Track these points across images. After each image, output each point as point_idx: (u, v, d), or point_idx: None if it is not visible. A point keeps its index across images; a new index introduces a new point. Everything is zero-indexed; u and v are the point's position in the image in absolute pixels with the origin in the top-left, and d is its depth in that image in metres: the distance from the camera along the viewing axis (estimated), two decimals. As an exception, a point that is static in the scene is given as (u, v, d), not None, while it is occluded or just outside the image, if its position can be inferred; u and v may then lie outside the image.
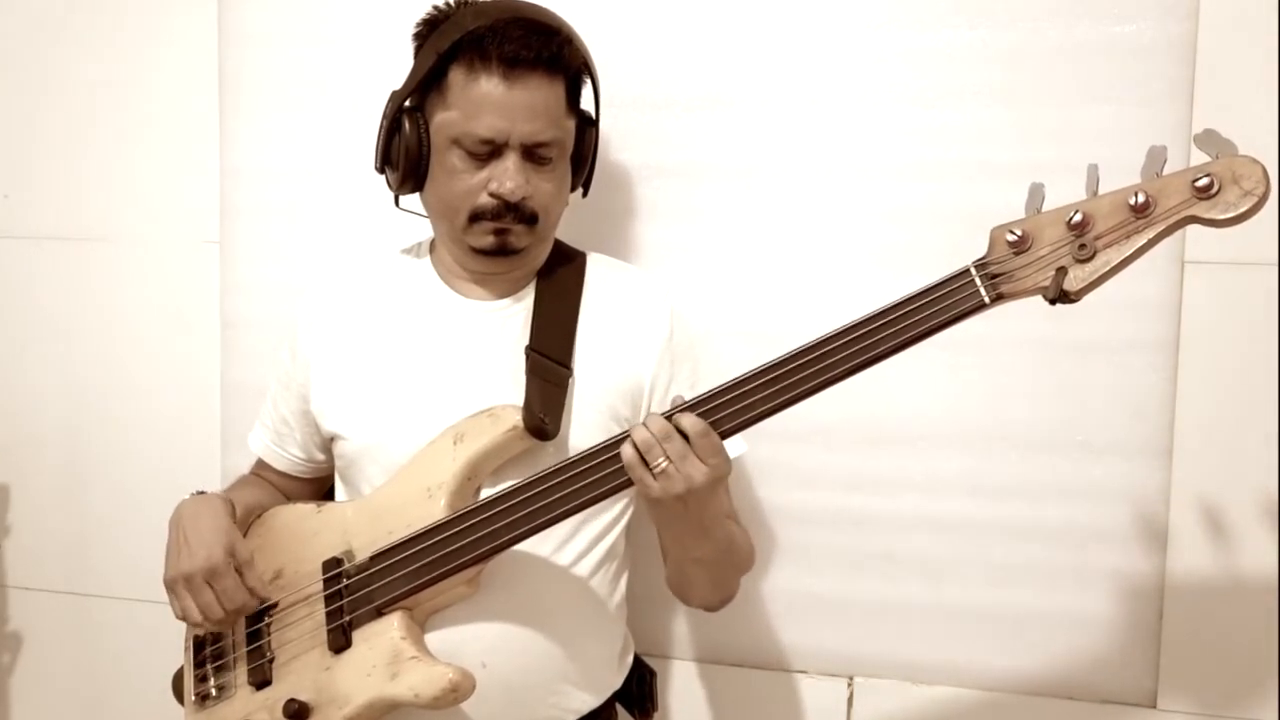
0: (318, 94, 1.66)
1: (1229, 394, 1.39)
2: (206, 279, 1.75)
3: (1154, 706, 1.45)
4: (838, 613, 1.54)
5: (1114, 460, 1.44)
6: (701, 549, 1.19)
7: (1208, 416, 1.40)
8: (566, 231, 1.38)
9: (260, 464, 1.46)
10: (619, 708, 1.39)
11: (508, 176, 1.22)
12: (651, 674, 1.43)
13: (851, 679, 1.56)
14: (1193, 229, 1.37)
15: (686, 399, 1.11)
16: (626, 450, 1.09)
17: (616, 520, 1.32)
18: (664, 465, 1.08)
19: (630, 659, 1.40)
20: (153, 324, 1.79)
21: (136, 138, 1.77)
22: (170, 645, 1.34)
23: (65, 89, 1.80)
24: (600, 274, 1.35)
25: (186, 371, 1.77)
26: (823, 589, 1.55)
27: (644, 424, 1.09)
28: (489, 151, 1.22)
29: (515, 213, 1.24)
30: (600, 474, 1.13)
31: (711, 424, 1.09)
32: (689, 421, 1.08)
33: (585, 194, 1.37)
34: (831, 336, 1.08)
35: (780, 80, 1.51)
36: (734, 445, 1.28)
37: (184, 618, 1.25)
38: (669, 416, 1.09)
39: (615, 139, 1.54)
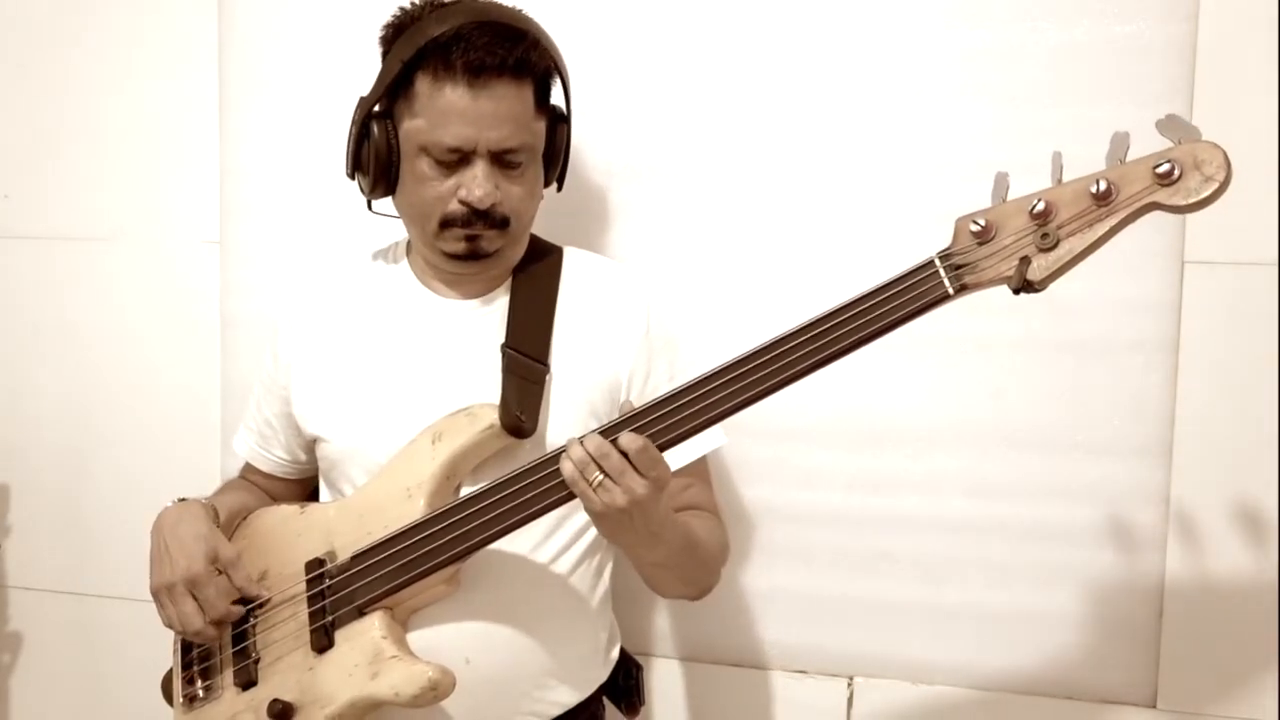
0: (318, 94, 1.67)
1: (1229, 394, 1.39)
2: (206, 279, 1.75)
3: (1154, 706, 1.45)
4: (838, 613, 1.54)
5: (1114, 460, 1.44)
6: (656, 554, 1.19)
7: (1208, 416, 1.40)
8: (546, 231, 1.38)
9: (247, 466, 1.47)
10: (606, 702, 1.40)
11: (476, 184, 1.21)
12: (638, 668, 1.43)
13: (851, 679, 1.56)
14: (1193, 227, 1.39)
15: (635, 406, 1.11)
16: (566, 467, 1.09)
17: None
18: (601, 480, 1.08)
19: (616, 653, 1.40)
20: (153, 324, 1.79)
21: (136, 138, 1.77)
22: (170, 645, 1.34)
23: (65, 89, 1.80)
24: (577, 269, 1.35)
25: (186, 371, 1.77)
26: (823, 589, 1.54)
27: (580, 441, 1.09)
28: (457, 158, 1.22)
29: (485, 219, 1.23)
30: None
31: (667, 428, 1.09)
32: (626, 439, 1.08)
33: (560, 189, 1.37)
34: (793, 333, 1.07)
35: (770, 79, 1.51)
36: (713, 438, 1.29)
37: (170, 625, 1.26)
38: (606, 434, 1.09)
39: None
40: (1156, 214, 1.02)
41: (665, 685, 1.61)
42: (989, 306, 1.42)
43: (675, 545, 1.19)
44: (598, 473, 1.08)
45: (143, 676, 1.47)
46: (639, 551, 1.19)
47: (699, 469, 1.34)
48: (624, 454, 1.08)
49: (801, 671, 1.57)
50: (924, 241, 1.37)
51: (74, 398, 1.83)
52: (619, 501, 1.08)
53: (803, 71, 1.50)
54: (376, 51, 1.29)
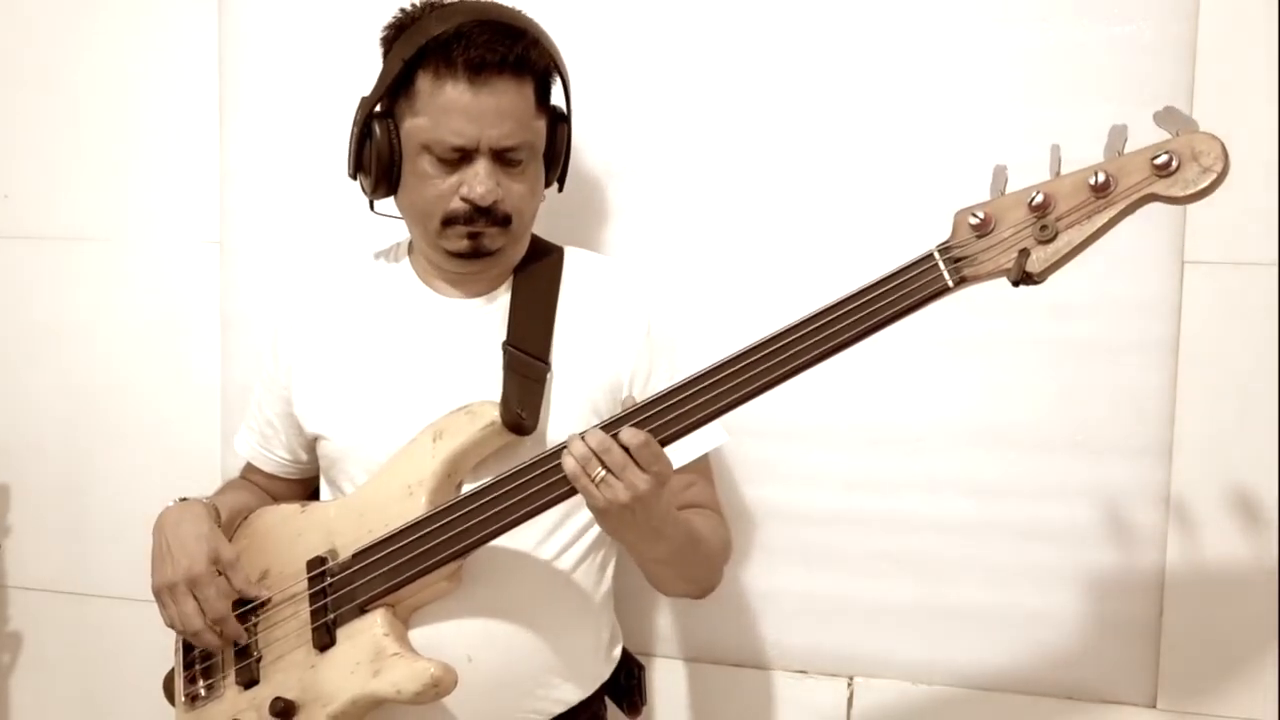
0: (318, 94, 1.67)
1: (1229, 394, 1.39)
2: (206, 279, 1.75)
3: (1154, 706, 1.45)
4: (838, 613, 1.54)
5: (1114, 460, 1.44)
6: (658, 550, 1.19)
7: (1208, 416, 1.40)
8: (547, 231, 1.38)
9: (248, 467, 1.47)
10: (608, 702, 1.40)
11: (478, 181, 1.22)
12: (640, 668, 1.43)
13: (851, 679, 1.56)
14: (1193, 227, 1.39)
15: (638, 400, 1.11)
16: (568, 463, 1.09)
17: None
18: (604, 475, 1.08)
19: (618, 651, 1.40)
20: (152, 324, 1.79)
21: (136, 138, 1.77)
22: (170, 645, 1.35)
23: (65, 89, 1.80)
24: (578, 268, 1.35)
25: (186, 371, 1.77)
26: (823, 589, 1.54)
27: (581, 437, 1.09)
28: (459, 156, 1.22)
29: (487, 216, 1.24)
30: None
31: (668, 423, 1.09)
32: (628, 434, 1.08)
33: (561, 189, 1.37)
34: (794, 326, 1.07)
35: (768, 78, 1.51)
36: (714, 436, 1.29)
37: (172, 625, 1.26)
38: (608, 429, 1.09)
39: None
40: (1157, 214, 1.02)
41: (666, 685, 1.61)
42: (989, 306, 1.43)
43: (678, 542, 1.19)
44: (600, 468, 1.08)
45: (143, 676, 1.47)
46: (641, 548, 1.19)
47: (701, 467, 1.34)
48: (625, 449, 1.08)
49: (801, 671, 1.57)
50: (924, 241, 1.38)
51: (74, 398, 1.83)
52: (621, 497, 1.08)
53: (801, 70, 1.50)
54: (376, 52, 1.29)
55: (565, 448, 1.10)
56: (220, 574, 1.24)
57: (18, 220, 1.84)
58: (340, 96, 1.63)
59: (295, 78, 1.68)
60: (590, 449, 1.08)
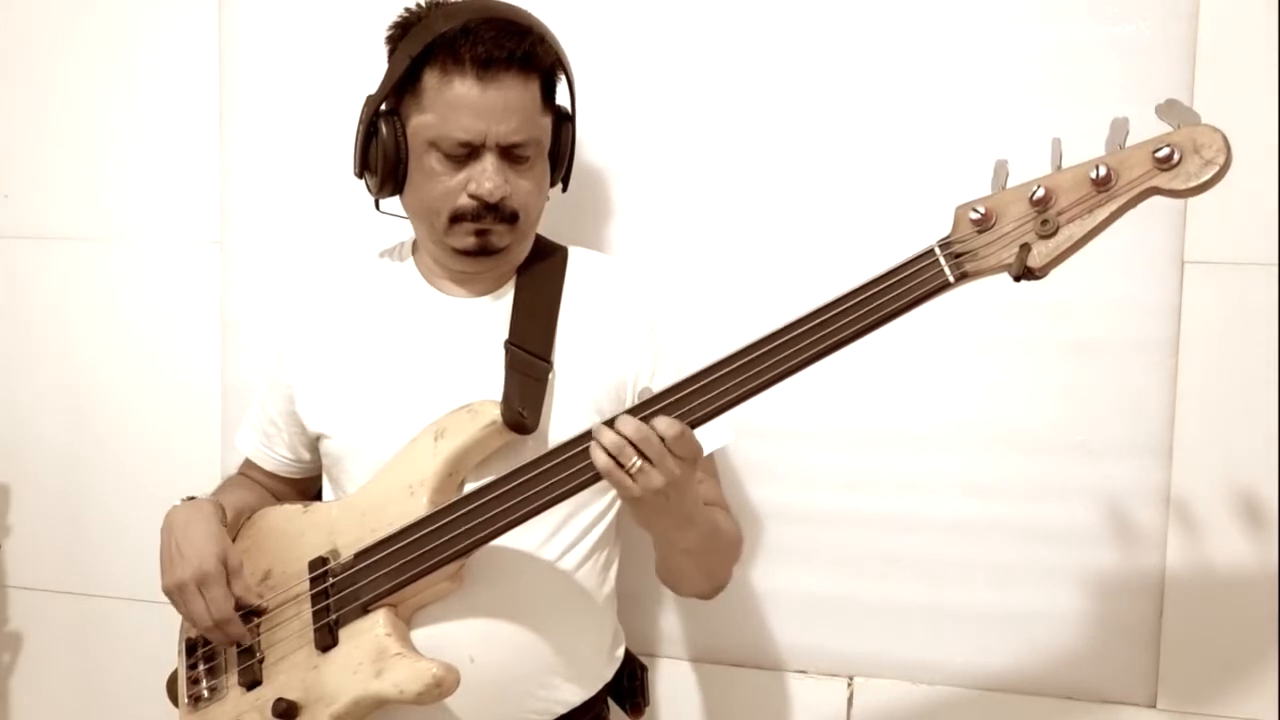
0: (318, 94, 1.67)
1: (1229, 394, 1.39)
2: (206, 279, 1.75)
3: (1154, 706, 1.46)
4: (838, 613, 1.55)
5: (1114, 460, 1.44)
6: (688, 539, 1.18)
7: (1208, 416, 1.40)
8: (549, 230, 1.38)
9: (248, 464, 1.47)
10: (610, 703, 1.40)
11: (485, 177, 1.22)
12: (642, 669, 1.43)
13: (851, 679, 1.56)
14: (1193, 227, 1.39)
15: (654, 391, 1.11)
16: (599, 456, 1.08)
17: (606, 511, 1.32)
18: (640, 464, 1.07)
19: (621, 651, 1.40)
20: (153, 324, 1.79)
21: (136, 138, 1.77)
22: (170, 645, 1.35)
23: (65, 89, 1.80)
24: (582, 267, 1.35)
25: (186, 371, 1.77)
26: (823, 589, 1.55)
27: (611, 426, 1.08)
28: (466, 153, 1.22)
29: (495, 213, 1.24)
30: (578, 465, 1.12)
31: (677, 416, 1.08)
32: (665, 424, 1.07)
33: (565, 189, 1.37)
34: (796, 322, 1.07)
35: (769, 77, 1.51)
36: (722, 435, 1.29)
37: (188, 620, 1.26)
38: (641, 416, 1.08)
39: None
40: (1157, 214, 1.02)
41: (668, 686, 1.61)
42: (989, 306, 1.43)
43: (706, 529, 1.19)
44: (635, 457, 1.07)
45: (143, 676, 1.47)
46: (674, 536, 1.18)
47: (708, 466, 1.35)
48: (661, 438, 1.07)
49: (801, 671, 1.57)
50: (926, 239, 1.37)
51: (74, 398, 1.83)
52: (657, 483, 1.07)
53: (802, 69, 1.50)
54: (377, 52, 1.29)
55: (591, 438, 1.09)
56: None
57: (18, 220, 1.84)
58: (341, 96, 1.63)
59: (295, 78, 1.68)
60: (626, 438, 1.07)
